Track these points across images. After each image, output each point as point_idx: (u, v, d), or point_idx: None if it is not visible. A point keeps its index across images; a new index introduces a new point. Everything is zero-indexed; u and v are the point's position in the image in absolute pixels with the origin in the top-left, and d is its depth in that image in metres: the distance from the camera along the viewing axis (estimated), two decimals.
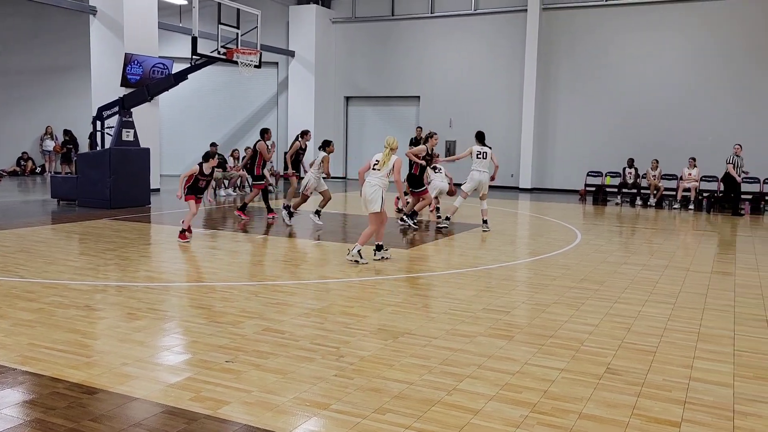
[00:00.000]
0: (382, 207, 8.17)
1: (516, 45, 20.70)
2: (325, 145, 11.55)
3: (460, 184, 11.74)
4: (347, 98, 24.11)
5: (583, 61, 20.04)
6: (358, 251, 8.09)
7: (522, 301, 6.51)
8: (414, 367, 4.48)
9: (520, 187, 20.81)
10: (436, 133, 11.63)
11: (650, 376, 4.39)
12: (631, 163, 17.89)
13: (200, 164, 9.67)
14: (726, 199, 15.75)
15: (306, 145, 12.82)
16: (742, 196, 16.08)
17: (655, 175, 17.22)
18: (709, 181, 17.28)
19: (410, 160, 11.11)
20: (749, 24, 17.95)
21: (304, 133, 12.81)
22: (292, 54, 23.14)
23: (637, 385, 4.22)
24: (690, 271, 8.14)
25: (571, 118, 20.28)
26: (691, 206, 16.36)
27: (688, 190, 16.60)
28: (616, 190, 17.99)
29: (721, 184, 16.18)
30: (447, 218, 11.38)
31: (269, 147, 12.43)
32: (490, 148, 11.43)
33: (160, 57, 16.84)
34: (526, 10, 20.29)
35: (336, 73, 23.83)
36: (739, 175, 15.36)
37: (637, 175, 17.77)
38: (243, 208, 12.31)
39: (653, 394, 4.08)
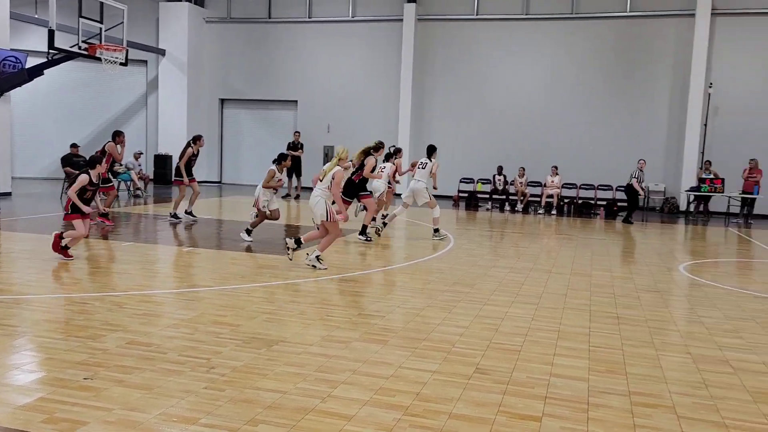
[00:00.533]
0: (331, 218, 8.07)
1: (393, 53, 21.12)
2: (281, 159, 10.41)
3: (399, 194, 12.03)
4: (222, 101, 23.46)
5: (457, 71, 20.82)
6: (317, 257, 8.11)
7: (397, 305, 6.61)
8: (288, 375, 4.41)
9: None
10: (382, 145, 11.14)
11: (515, 374, 4.61)
12: (500, 170, 18.83)
13: (86, 171, 8.45)
14: (632, 208, 16.51)
15: (198, 151, 12.36)
16: (597, 203, 17.42)
17: (521, 182, 18.22)
18: (569, 188, 18.56)
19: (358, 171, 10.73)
20: (598, 43, 19.48)
21: (197, 139, 12.35)
22: (162, 52, 22.16)
23: (504, 383, 4.41)
24: (552, 273, 8.67)
25: (446, 126, 20.99)
26: (554, 211, 17.47)
27: (551, 196, 17.72)
28: (487, 196, 18.85)
29: (625, 194, 17.04)
30: (384, 223, 11.73)
31: (119, 150, 11.88)
32: (431, 160, 11.72)
33: (11, 50, 15.49)
34: (402, 19, 20.77)
35: (210, 74, 23.11)
36: (642, 189, 16.42)
37: (505, 182, 18.72)
38: (105, 215, 11.63)
39: (518, 391, 4.28)
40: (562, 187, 18.20)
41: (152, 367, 4.46)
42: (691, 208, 17.89)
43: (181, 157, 12.26)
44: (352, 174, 10.73)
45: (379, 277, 7.96)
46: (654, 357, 5.14)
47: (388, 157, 12.42)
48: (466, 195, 19.15)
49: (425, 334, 5.53)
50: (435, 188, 11.87)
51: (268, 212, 10.35)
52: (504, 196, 18.54)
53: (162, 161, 21.65)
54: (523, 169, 18.37)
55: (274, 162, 10.33)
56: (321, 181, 8.19)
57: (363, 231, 10.78)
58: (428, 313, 6.27)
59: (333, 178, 8.07)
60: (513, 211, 17.85)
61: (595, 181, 18.87)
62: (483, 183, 19.40)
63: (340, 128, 21.79)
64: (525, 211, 17.84)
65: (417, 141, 21.05)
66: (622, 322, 6.17)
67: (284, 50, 22.38)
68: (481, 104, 20.61)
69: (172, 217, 12.31)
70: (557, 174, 18.02)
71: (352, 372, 4.51)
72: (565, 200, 18.22)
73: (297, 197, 18.82)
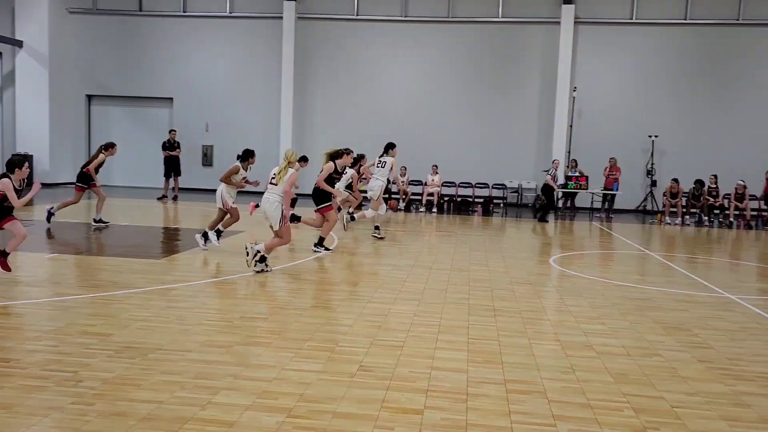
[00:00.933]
0: (284, 223, 7.98)
1: (273, 52, 20.81)
2: (247, 156, 9.91)
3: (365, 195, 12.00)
4: (89, 97, 22.06)
5: (339, 71, 20.87)
6: (263, 260, 7.97)
7: (281, 306, 6.52)
8: (165, 384, 4.21)
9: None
10: (351, 151, 10.99)
11: (398, 369, 4.68)
12: None
13: (6, 175, 7.26)
14: (548, 206, 17.09)
15: (104, 159, 12.12)
16: (475, 200, 18.13)
17: (403, 181, 18.56)
18: (448, 186, 19.17)
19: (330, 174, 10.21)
20: (473, 47, 20.29)
21: (109, 146, 12.23)
22: (19, 44, 20.45)
23: (387, 379, 4.47)
24: (433, 270, 8.90)
25: (329, 125, 20.98)
26: (434, 209, 17.98)
27: (431, 194, 18.21)
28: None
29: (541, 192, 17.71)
30: (352, 218, 11.63)
31: None
32: (386, 155, 11.89)
33: None
34: (281, 17, 20.52)
35: (75, 68, 21.62)
36: (557, 187, 17.23)
37: (388, 181, 18.98)
38: None
39: (400, 386, 4.35)
40: (442, 185, 18.77)
41: (11, 384, 4.10)
42: (560, 204, 19.04)
43: (89, 162, 12.02)
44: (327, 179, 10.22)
45: (261, 279, 7.80)
46: (527, 346, 5.41)
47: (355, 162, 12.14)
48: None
49: (309, 334, 5.49)
50: (399, 183, 11.97)
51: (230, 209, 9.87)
52: (387, 195, 18.81)
53: None
54: (405, 169, 18.75)
55: (238, 158, 9.92)
56: (275, 185, 8.05)
57: (320, 242, 10.00)
58: (312, 314, 6.23)
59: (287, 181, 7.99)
60: (396, 209, 18.16)
61: (472, 179, 19.61)
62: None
63: (220, 127, 21.21)
64: (407, 209, 18.20)
65: (300, 141, 20.88)
66: (498, 315, 6.44)
67: (157, 45, 21.41)
68: (364, 104, 20.80)
69: (97, 222, 11.71)
70: (437, 173, 18.55)
71: (233, 377, 4.39)
72: (445, 198, 18.80)
73: (175, 198, 18.07)
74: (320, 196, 10.21)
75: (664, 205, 17.99)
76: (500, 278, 8.42)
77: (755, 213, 17.59)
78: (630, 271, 9.86)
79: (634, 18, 19.52)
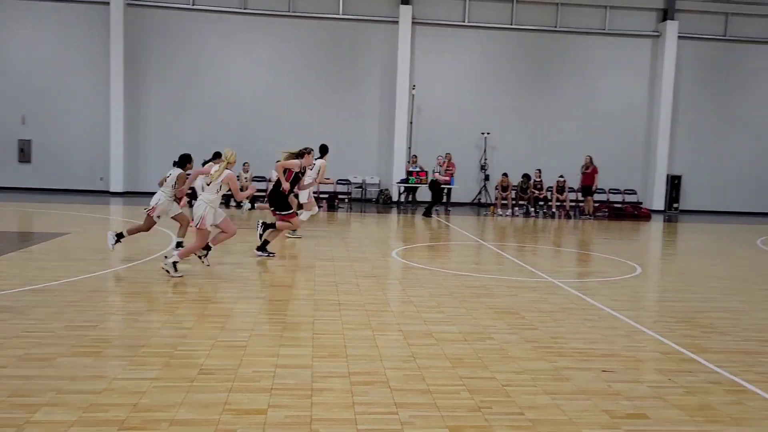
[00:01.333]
0: (201, 225, 7.69)
1: (101, 40, 19.37)
2: (184, 162, 8.96)
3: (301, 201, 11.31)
4: None
5: (174, 63, 19.92)
6: (174, 263, 7.58)
7: (112, 312, 6.08)
8: None
9: (111, 190, 19.62)
10: (311, 150, 10.27)
11: (241, 370, 4.56)
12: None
13: None
14: (432, 202, 17.67)
15: None
16: (320, 196, 18.18)
17: (246, 178, 18.14)
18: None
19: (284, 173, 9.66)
20: (315, 43, 20.34)
21: None
22: None
23: (229, 381, 4.33)
24: (279, 266, 8.78)
25: (164, 118, 19.97)
26: None
27: None
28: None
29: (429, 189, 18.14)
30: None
31: None
32: (319, 158, 11.59)
33: None
34: (108, 3, 19.14)
35: None
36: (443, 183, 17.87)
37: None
38: None
39: (244, 387, 4.24)
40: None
41: None
42: (402, 198, 19.67)
43: None
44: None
45: (90, 284, 7.23)
46: (371, 338, 5.51)
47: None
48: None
49: (144, 340, 5.18)
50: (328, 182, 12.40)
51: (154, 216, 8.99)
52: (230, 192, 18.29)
53: None
54: (248, 165, 18.32)
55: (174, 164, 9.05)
56: (209, 185, 7.83)
57: (263, 246, 9.48)
58: (148, 318, 5.89)
59: (221, 182, 7.78)
60: (238, 206, 17.70)
61: None
62: None
63: (39, 120, 19.41)
64: (252, 206, 17.80)
65: (132, 135, 19.68)
66: (343, 308, 6.51)
67: None
68: (203, 98, 20.04)
69: None
70: None
71: (56, 392, 4.01)
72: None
73: None
74: (281, 201, 9.75)
75: (496, 198, 19.25)
76: (345, 272, 8.51)
77: (573, 204, 19.41)
78: (466, 260, 10.43)
79: (466, 21, 20.63)
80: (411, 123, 20.30)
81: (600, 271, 9.83)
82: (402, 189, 19.58)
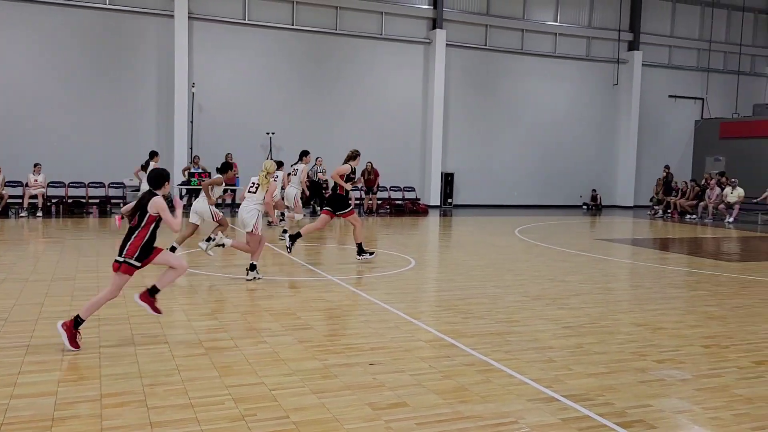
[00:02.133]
0: (255, 230, 8.13)
1: None
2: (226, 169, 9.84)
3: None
4: None
5: None
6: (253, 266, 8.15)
7: None
8: None
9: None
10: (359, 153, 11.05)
11: None
12: None
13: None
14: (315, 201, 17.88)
15: None
16: (90, 201, 16.68)
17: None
18: (56, 187, 17.24)
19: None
20: (83, 35, 18.53)
21: None
22: None
23: None
24: (29, 281, 7.82)
25: None
26: (40, 213, 15.94)
27: (35, 196, 16.09)
28: None
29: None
30: (284, 230, 11.48)
31: None
32: (300, 162, 12.93)
33: None
34: None
35: None
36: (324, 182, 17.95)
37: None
38: None
39: None
40: (48, 186, 16.76)
41: None
42: (185, 202, 18.74)
43: None
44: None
45: None
46: (132, 354, 5.09)
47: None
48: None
49: None
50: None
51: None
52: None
53: None
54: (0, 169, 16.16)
55: (218, 170, 9.90)
56: (250, 192, 8.36)
57: (360, 249, 10.18)
58: None
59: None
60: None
61: (85, 178, 17.97)
62: None
63: None
64: (4, 214, 15.74)
65: None
66: (103, 323, 5.95)
67: None
68: None
69: None
70: (41, 172, 16.46)
71: None
72: (53, 200, 16.84)
73: None
74: (340, 202, 10.40)
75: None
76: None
77: (358, 202, 20.07)
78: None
79: (246, 19, 20.26)
80: (191, 122, 19.44)
81: (378, 266, 10.21)
82: (184, 192, 18.64)
